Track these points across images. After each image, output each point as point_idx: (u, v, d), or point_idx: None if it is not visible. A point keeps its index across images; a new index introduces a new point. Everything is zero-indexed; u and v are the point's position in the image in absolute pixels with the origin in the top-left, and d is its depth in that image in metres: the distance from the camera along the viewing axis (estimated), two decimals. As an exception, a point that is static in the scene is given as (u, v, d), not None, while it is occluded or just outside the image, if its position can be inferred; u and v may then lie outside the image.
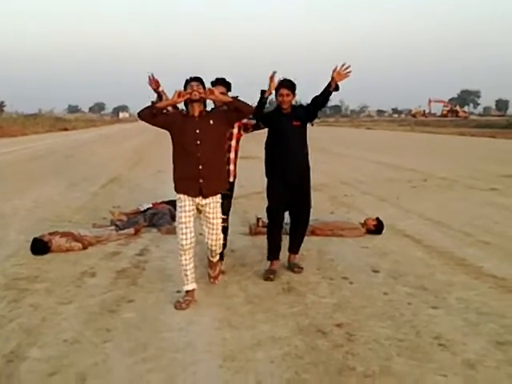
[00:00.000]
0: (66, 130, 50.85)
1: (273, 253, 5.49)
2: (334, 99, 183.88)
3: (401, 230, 7.44)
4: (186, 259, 4.62)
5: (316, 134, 30.94)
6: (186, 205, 4.55)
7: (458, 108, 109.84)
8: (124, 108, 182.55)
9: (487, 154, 20.72)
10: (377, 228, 7.22)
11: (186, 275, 4.65)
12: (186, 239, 4.56)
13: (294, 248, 5.72)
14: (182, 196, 4.57)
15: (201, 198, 4.55)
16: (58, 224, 7.63)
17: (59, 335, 3.99)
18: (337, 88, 5.09)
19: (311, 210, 5.65)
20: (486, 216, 8.41)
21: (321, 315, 4.39)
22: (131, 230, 7.14)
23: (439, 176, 13.51)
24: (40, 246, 6.19)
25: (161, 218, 7.57)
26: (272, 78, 5.08)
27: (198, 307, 4.50)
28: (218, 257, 4.96)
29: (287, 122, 5.33)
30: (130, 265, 5.82)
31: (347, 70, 5.02)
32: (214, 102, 4.93)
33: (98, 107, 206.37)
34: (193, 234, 4.59)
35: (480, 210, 8.91)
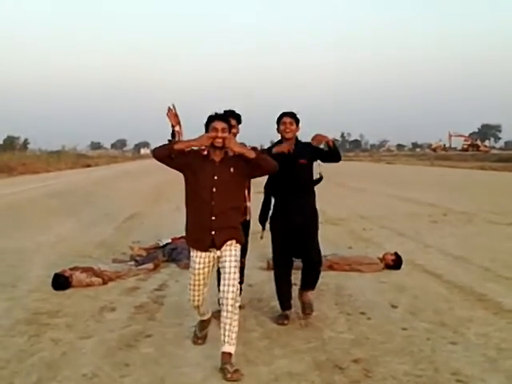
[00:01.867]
0: (88, 166, 51.82)
1: (285, 304, 5.19)
2: (354, 134, 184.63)
3: (420, 265, 7.40)
4: (197, 310, 4.43)
5: (335, 169, 30.88)
6: (199, 266, 4.13)
7: (478, 142, 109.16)
8: (145, 144, 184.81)
9: (508, 189, 20.56)
10: (395, 263, 7.19)
11: (199, 314, 4.50)
12: (194, 301, 4.26)
13: (306, 287, 5.28)
14: (194, 253, 4.16)
15: (215, 249, 4.10)
16: (79, 259, 7.75)
17: (79, 369, 4.04)
18: (334, 145, 4.95)
19: (321, 251, 5.30)
20: (507, 251, 8.33)
21: (338, 351, 4.39)
22: (150, 265, 7.22)
23: (459, 210, 13.43)
24: (61, 281, 6.29)
25: (180, 252, 7.64)
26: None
27: (216, 342, 4.51)
28: (232, 346, 4.01)
29: (289, 159, 4.84)
30: (148, 300, 5.88)
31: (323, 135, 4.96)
32: None
33: (120, 144, 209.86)
34: (204, 296, 4.27)
35: (500, 245, 8.83)
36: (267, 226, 5.30)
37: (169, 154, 4.06)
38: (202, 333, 4.55)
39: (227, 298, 3.98)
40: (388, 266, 7.18)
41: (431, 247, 8.72)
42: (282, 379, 3.86)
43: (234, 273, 4.03)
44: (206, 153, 4.16)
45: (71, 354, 4.36)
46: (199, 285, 4.16)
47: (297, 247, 5.08)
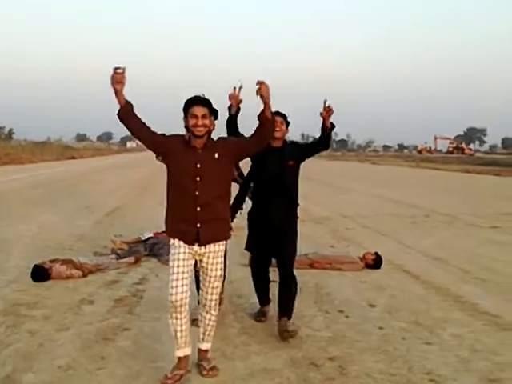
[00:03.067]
0: (73, 158, 51.37)
1: (262, 300, 5.19)
2: (341, 133, 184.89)
3: (400, 265, 7.47)
4: (177, 318, 3.74)
5: (320, 168, 31.06)
6: (181, 252, 3.71)
7: (463, 145, 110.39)
8: (131, 138, 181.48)
9: (491, 192, 20.76)
10: (375, 262, 7.25)
11: (177, 338, 3.81)
12: (177, 294, 3.67)
13: (284, 311, 4.72)
14: (176, 241, 3.75)
15: (197, 245, 3.74)
16: (60, 251, 7.72)
17: (54, 361, 4.04)
18: (333, 126, 4.79)
19: (297, 250, 5.00)
20: (486, 253, 8.44)
21: (314, 348, 4.42)
22: (131, 259, 7.21)
23: (441, 212, 13.55)
24: (40, 273, 6.27)
25: (161, 247, 7.63)
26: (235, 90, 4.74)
27: (193, 337, 4.53)
28: (209, 343, 4.03)
29: (276, 158, 4.69)
30: (128, 293, 5.88)
31: (328, 105, 4.69)
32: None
33: (106, 136, 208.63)
34: (186, 289, 3.71)
35: (480, 248, 8.94)
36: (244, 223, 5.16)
37: (123, 116, 3.65)
38: (174, 373, 3.81)
39: (210, 306, 3.89)
40: (368, 266, 7.24)
41: (411, 248, 8.80)
42: (257, 375, 3.89)
43: (218, 281, 3.87)
44: (187, 138, 3.76)
45: (48, 346, 4.35)
46: (183, 272, 3.69)
47: (274, 248, 4.84)
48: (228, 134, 4.80)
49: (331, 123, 4.77)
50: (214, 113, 4.50)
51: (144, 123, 3.75)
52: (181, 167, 3.72)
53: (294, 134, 4.95)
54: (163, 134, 3.86)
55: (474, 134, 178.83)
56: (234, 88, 4.80)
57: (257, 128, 3.80)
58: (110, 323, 4.92)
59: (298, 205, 4.95)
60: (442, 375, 3.92)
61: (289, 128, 4.93)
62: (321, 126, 4.78)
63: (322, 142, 4.86)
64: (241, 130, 4.86)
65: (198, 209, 3.68)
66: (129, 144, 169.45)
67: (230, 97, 4.83)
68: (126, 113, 3.66)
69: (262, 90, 3.66)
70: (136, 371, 3.90)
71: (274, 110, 4.74)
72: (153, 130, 3.80)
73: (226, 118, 4.87)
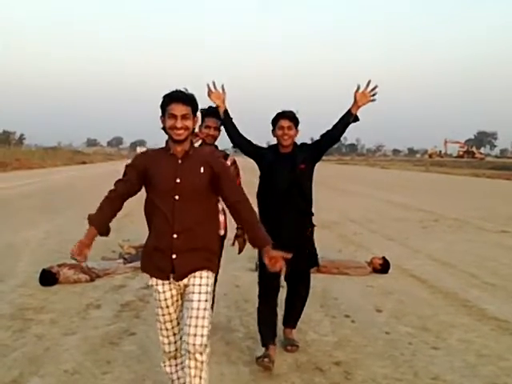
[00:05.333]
0: (84, 163, 51.76)
1: (267, 337, 4.24)
2: (351, 138, 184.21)
3: (407, 270, 7.44)
4: (171, 365, 3.28)
5: (329, 172, 31.02)
6: (167, 298, 3.07)
7: (474, 149, 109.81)
8: (141, 143, 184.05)
9: (501, 196, 20.63)
10: (383, 267, 7.22)
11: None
12: (170, 344, 3.15)
13: (291, 322, 4.60)
14: (154, 281, 3.08)
15: (172, 278, 3.01)
16: (68, 256, 7.70)
17: (60, 365, 4.06)
18: (356, 118, 4.24)
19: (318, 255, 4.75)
20: (494, 258, 8.38)
21: (320, 353, 4.41)
22: (139, 263, 7.21)
23: (451, 217, 13.48)
24: (48, 277, 6.31)
25: (169, 252, 7.65)
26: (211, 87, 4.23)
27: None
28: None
29: (286, 165, 4.18)
30: (134, 298, 5.89)
31: (373, 92, 4.18)
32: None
33: (116, 141, 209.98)
34: (180, 336, 3.12)
35: (488, 252, 8.88)
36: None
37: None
38: None
39: (194, 344, 2.87)
40: (375, 270, 7.22)
41: (420, 252, 8.76)
42: (262, 380, 3.88)
43: (205, 309, 2.94)
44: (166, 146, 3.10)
45: (54, 350, 4.37)
46: (170, 320, 3.12)
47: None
48: (233, 144, 4.43)
49: (356, 115, 4.23)
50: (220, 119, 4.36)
51: (117, 196, 3.35)
52: (157, 182, 3.03)
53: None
54: (133, 164, 3.25)
55: (484, 138, 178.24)
56: (208, 85, 4.25)
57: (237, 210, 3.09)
58: (116, 327, 4.93)
59: (312, 214, 4.43)
60: (448, 380, 3.89)
61: (298, 128, 4.30)
62: (346, 111, 4.22)
63: (336, 131, 4.26)
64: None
65: (175, 236, 2.97)
66: (138, 149, 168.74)
67: (211, 96, 4.26)
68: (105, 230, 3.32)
69: None
70: (141, 375, 3.91)
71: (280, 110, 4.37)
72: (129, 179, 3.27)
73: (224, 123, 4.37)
